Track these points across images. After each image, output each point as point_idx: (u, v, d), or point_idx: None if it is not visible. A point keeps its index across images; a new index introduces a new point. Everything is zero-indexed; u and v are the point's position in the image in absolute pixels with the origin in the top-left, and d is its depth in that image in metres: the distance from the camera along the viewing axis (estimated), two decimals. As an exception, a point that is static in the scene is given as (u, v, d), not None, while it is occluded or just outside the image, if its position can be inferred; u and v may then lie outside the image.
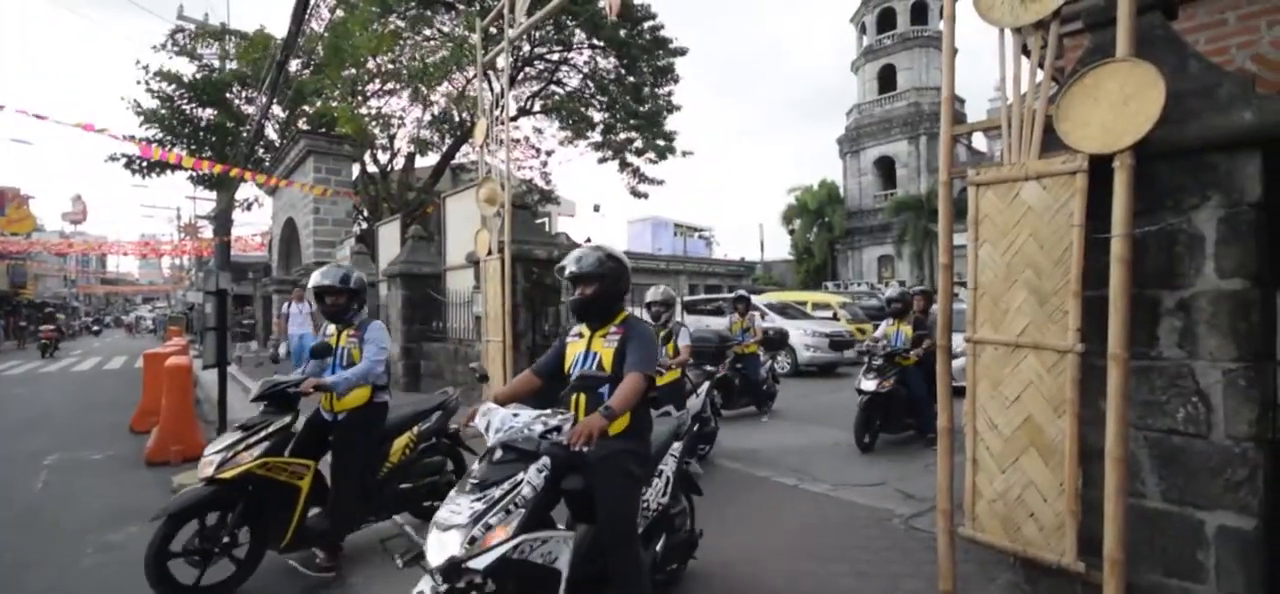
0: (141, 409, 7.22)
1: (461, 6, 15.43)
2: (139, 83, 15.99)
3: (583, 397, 2.43)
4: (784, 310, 13.57)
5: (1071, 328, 2.36)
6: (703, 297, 18.26)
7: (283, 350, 10.16)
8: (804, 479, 4.92)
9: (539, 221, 11.38)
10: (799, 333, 11.92)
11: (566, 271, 2.53)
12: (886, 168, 32.83)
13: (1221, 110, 2.21)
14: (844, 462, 5.50)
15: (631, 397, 2.23)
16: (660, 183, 18.95)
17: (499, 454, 2.18)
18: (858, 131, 33.29)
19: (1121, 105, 2.26)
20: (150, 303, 46.78)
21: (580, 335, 2.57)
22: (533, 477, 2.15)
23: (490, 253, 6.56)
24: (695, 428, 4.73)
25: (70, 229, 45.98)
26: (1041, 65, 2.50)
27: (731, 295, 8.20)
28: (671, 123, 18.25)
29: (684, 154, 18.37)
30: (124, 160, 16.61)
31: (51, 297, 43.81)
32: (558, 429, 2.17)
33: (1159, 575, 2.35)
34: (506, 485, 2.10)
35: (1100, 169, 2.32)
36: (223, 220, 18.93)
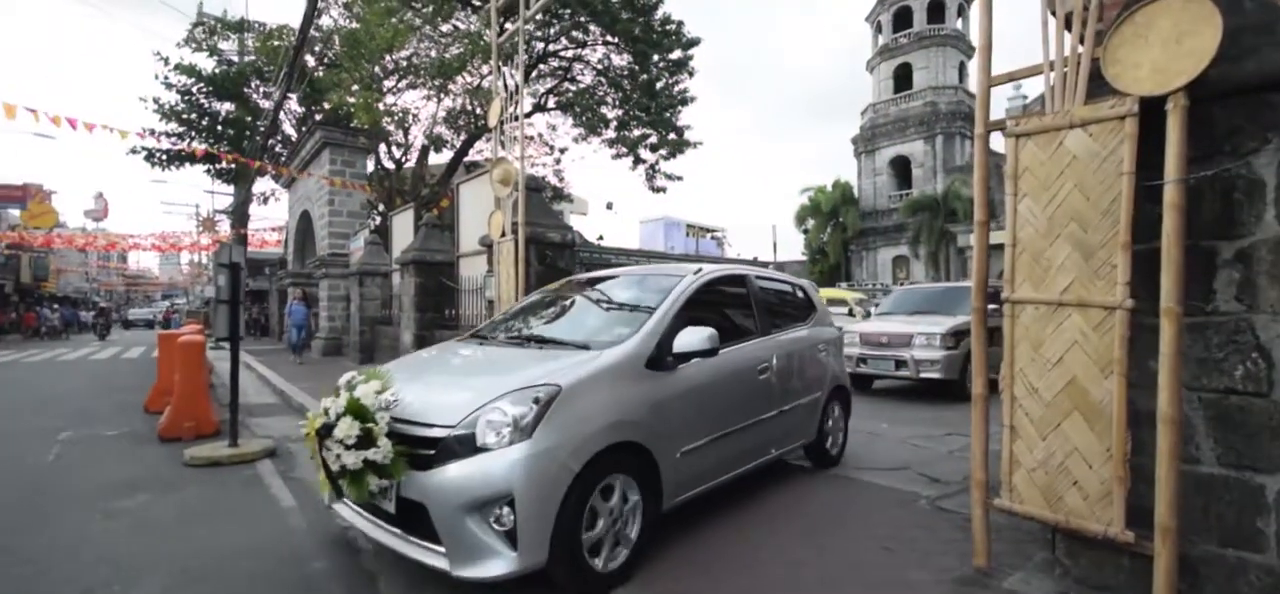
0: (156, 389, 7.24)
1: (478, 3, 15.49)
2: (158, 78, 16.22)
3: None
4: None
5: (1120, 283, 2.23)
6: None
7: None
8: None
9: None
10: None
11: None
12: (902, 168, 32.48)
13: (1285, 46, 2.07)
14: (864, 449, 5.35)
15: None
16: (678, 178, 18.85)
17: None
18: (873, 131, 32.99)
19: (1174, 44, 2.14)
20: (169, 298, 47.48)
21: None
22: None
23: (504, 235, 6.50)
24: None
25: (92, 226, 46.81)
26: (1082, 39, 2.37)
27: None
28: (685, 116, 18.18)
29: (693, 145, 18.30)
30: (145, 154, 16.85)
31: (73, 290, 44.62)
32: None
33: (1214, 545, 2.20)
34: None
35: (1151, 114, 2.20)
36: (240, 214, 19.12)
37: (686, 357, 3.02)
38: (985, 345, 2.64)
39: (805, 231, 35.64)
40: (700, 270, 3.67)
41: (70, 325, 30.53)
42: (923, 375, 7.39)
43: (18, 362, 15.16)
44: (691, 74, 17.93)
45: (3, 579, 2.91)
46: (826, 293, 16.95)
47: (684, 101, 18.08)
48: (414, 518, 2.49)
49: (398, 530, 2.56)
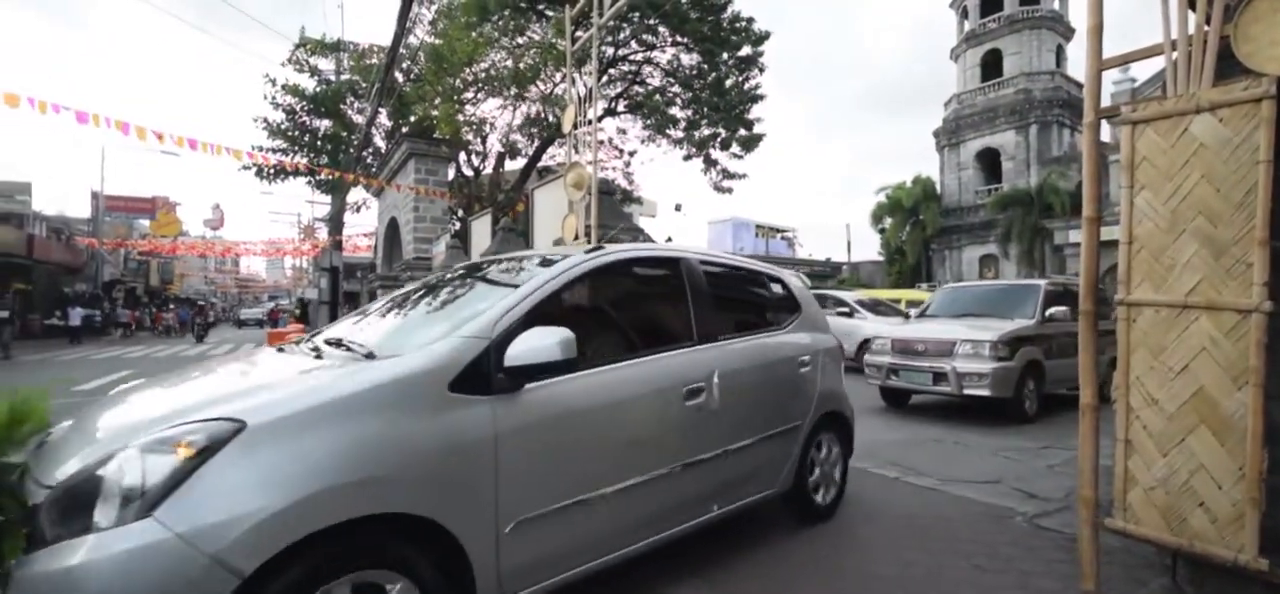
0: (266, 384, 7.90)
1: (552, 14, 15.93)
2: (266, 98, 17.75)
3: None
4: (876, 307, 12.93)
5: (1256, 283, 2.01)
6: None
7: None
8: (906, 473, 4.58)
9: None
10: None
11: None
12: (990, 161, 30.54)
13: None
14: (949, 458, 5.08)
15: None
16: (744, 177, 18.63)
17: None
18: (957, 123, 31.20)
19: (1325, 16, 1.90)
20: (274, 300, 51.79)
21: None
22: None
23: (577, 238, 6.65)
24: None
25: (210, 234, 51.85)
26: (1208, 16, 2.15)
27: None
28: (755, 113, 17.96)
29: (761, 137, 18.04)
30: (255, 169, 18.47)
31: (194, 292, 49.59)
32: None
33: (1378, 581, 1.94)
34: None
35: (1295, 95, 1.97)
36: (335, 222, 20.58)
37: (532, 372, 2.01)
38: (1095, 352, 2.44)
39: (882, 231, 34.22)
40: (597, 248, 2.63)
41: (186, 324, 33.83)
42: (967, 391, 6.20)
43: (148, 356, 17.01)
44: (762, 70, 17.68)
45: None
46: (905, 295, 16.19)
47: (754, 98, 17.84)
48: None
49: None
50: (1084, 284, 2.43)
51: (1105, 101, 2.43)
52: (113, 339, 24.69)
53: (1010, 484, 4.31)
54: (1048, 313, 6.70)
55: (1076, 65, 29.09)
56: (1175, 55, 2.22)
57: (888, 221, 33.56)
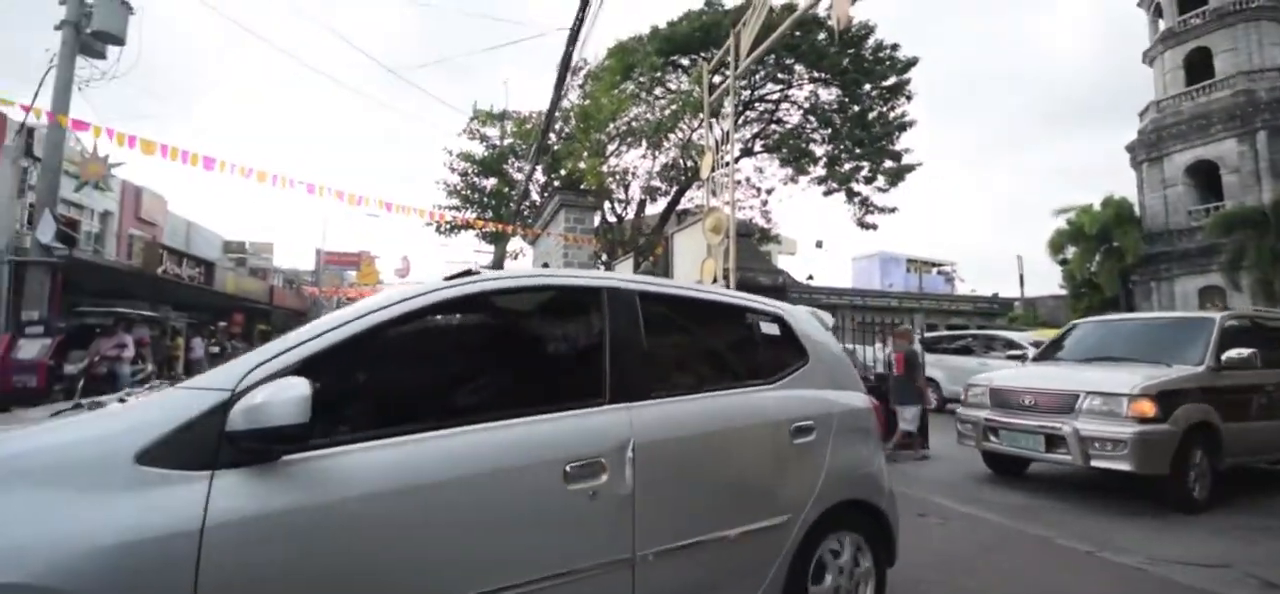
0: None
1: (686, 63, 16.63)
2: (444, 164, 20.58)
3: None
4: (1057, 350, 11.45)
5: None
6: (944, 333, 16.23)
7: None
8: (1101, 547, 3.98)
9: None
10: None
11: None
12: (1205, 175, 25.75)
13: None
14: (1158, 530, 4.34)
15: None
16: (892, 211, 17.68)
17: None
18: (1158, 134, 26.82)
19: None
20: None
21: None
22: None
23: (715, 280, 6.79)
24: None
25: (398, 282, 59.90)
26: None
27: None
28: (903, 142, 17.08)
29: (912, 168, 17.01)
30: (434, 226, 21.35)
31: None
32: None
33: None
34: None
35: None
36: (497, 269, 22.92)
37: (275, 438, 1.42)
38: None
39: (1063, 262, 30.11)
40: (463, 274, 2.01)
41: None
42: (1095, 463, 4.73)
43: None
44: (909, 98, 16.85)
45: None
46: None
47: (901, 127, 16.99)
48: None
49: None
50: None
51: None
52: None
53: (1243, 569, 3.58)
54: (1224, 357, 5.07)
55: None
56: None
57: (1071, 251, 29.49)
